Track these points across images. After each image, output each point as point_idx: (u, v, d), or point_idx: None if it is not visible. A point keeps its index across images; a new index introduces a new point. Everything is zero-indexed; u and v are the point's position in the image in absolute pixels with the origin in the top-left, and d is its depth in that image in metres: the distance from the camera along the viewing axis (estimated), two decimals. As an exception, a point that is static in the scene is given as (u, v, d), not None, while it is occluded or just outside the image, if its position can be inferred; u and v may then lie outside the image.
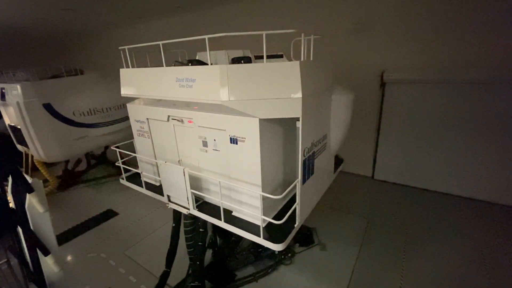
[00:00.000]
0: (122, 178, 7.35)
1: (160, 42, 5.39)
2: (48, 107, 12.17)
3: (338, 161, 7.84)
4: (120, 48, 6.21)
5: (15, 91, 11.78)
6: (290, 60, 6.24)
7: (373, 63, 12.55)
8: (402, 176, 13.39)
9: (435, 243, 9.42)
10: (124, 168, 7.24)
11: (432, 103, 11.72)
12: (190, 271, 7.76)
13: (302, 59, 4.71)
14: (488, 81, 10.46)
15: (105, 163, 17.06)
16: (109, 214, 12.46)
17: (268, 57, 5.42)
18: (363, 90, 12.86)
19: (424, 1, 10.79)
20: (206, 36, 4.53)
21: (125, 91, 6.28)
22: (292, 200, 5.34)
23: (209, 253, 8.63)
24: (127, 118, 6.89)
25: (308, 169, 5.35)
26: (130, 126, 7.05)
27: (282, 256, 8.87)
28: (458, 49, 10.75)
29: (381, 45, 12.17)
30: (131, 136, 7.22)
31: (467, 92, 10.93)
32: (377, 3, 11.67)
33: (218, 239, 8.58)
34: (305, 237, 9.69)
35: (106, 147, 16.35)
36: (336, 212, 11.35)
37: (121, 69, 6.23)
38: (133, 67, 6.26)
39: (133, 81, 6.08)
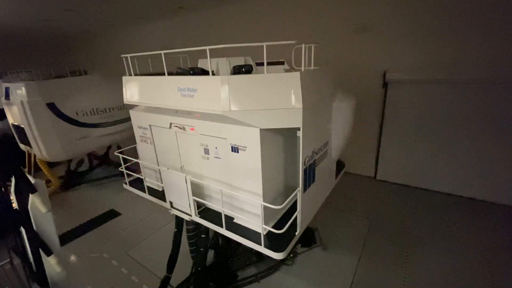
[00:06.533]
0: (125, 183, 7.41)
1: (162, 52, 5.40)
2: (51, 107, 12.23)
3: (339, 165, 7.85)
4: (122, 56, 6.25)
5: (19, 90, 11.86)
6: (291, 67, 6.26)
7: (375, 63, 12.51)
8: (404, 176, 13.39)
9: (438, 243, 9.45)
10: (127, 173, 7.30)
11: (434, 103, 11.70)
12: (193, 270, 7.83)
13: (303, 68, 4.72)
14: (490, 81, 10.44)
15: (108, 164, 17.12)
16: (111, 214, 12.54)
17: (269, 64, 5.43)
18: (365, 90, 12.84)
19: (426, 1, 10.75)
20: (207, 48, 4.55)
21: (127, 98, 6.34)
22: (294, 206, 5.37)
23: (211, 254, 8.69)
24: (129, 118, 6.95)
25: (309, 177, 5.38)
26: (132, 127, 7.11)
27: (284, 257, 8.90)
28: (460, 49, 10.72)
29: (383, 45, 12.12)
30: (133, 137, 7.27)
31: (469, 92, 10.90)
32: (378, 3, 11.63)
33: (220, 239, 8.65)
34: (307, 238, 9.71)
35: (109, 147, 16.39)
36: (338, 213, 11.38)
37: (123, 77, 6.28)
38: (135, 73, 6.30)
39: (135, 89, 6.14)
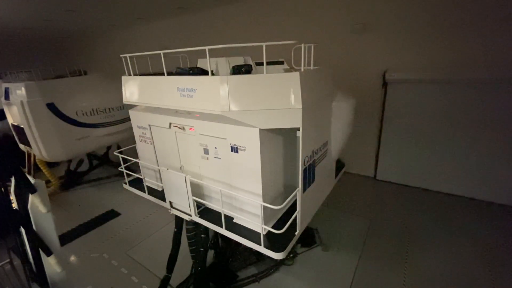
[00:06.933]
0: (125, 183, 7.42)
1: (161, 52, 5.40)
2: (51, 107, 12.22)
3: (339, 165, 7.85)
4: (121, 56, 6.26)
5: (19, 90, 11.86)
6: (291, 66, 6.26)
7: (375, 63, 12.50)
8: (404, 176, 13.38)
9: (438, 243, 9.43)
10: (127, 173, 7.30)
11: (434, 103, 11.68)
12: (193, 271, 7.84)
13: (302, 68, 4.72)
14: (490, 80, 10.42)
15: (108, 164, 17.11)
16: (111, 215, 12.53)
17: (269, 63, 5.42)
18: (365, 90, 12.86)
19: (426, 1, 10.75)
20: (206, 48, 4.55)
21: (127, 98, 6.35)
22: (293, 206, 5.37)
23: (211, 254, 8.69)
24: (129, 118, 6.97)
25: (309, 177, 5.38)
26: (132, 127, 7.11)
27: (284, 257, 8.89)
28: (460, 49, 10.71)
29: (383, 44, 12.11)
30: (133, 137, 7.28)
31: (469, 92, 10.89)
32: (378, 3, 11.62)
33: (220, 239, 8.65)
34: (307, 238, 9.71)
35: (109, 148, 16.38)
36: (338, 213, 11.37)
37: (122, 77, 6.29)
38: (134, 73, 6.31)
39: (135, 89, 6.15)
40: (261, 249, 4.86)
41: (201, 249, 6.98)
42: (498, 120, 10.65)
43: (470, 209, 11.23)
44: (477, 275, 8.13)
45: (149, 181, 7.11)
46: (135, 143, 7.32)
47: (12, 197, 6.24)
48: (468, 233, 9.81)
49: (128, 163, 7.37)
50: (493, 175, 11.31)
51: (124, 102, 6.43)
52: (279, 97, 4.34)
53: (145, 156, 7.12)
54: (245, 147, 4.80)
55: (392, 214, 11.16)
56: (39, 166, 14.14)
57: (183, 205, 5.99)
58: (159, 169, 6.49)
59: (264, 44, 4.25)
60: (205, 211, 6.04)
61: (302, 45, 4.58)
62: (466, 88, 10.92)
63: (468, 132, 11.32)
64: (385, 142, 13.42)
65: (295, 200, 5.15)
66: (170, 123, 5.95)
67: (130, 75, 6.32)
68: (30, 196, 5.66)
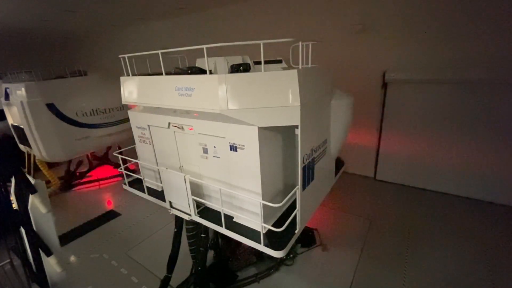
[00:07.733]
0: (125, 184, 7.40)
1: (159, 52, 5.39)
2: (51, 107, 12.25)
3: (339, 164, 7.84)
4: (120, 56, 6.25)
5: (19, 91, 11.89)
6: (289, 65, 6.26)
7: (374, 63, 12.50)
8: (404, 176, 13.37)
9: (437, 243, 9.43)
10: (126, 173, 7.29)
11: (434, 103, 11.69)
12: (193, 271, 7.83)
13: (300, 66, 4.71)
14: (490, 81, 10.43)
15: (107, 164, 17.11)
16: (111, 215, 12.54)
17: (267, 62, 5.42)
18: (365, 91, 12.82)
19: (426, 1, 10.75)
20: (204, 46, 4.55)
21: (125, 98, 6.34)
22: (293, 205, 5.37)
23: (211, 254, 8.67)
24: (129, 118, 6.95)
25: (308, 175, 5.37)
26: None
27: (284, 257, 8.88)
28: (460, 49, 10.72)
29: (383, 45, 12.12)
30: (133, 138, 7.25)
31: (468, 92, 10.90)
32: (378, 3, 11.62)
33: (220, 240, 8.63)
34: (307, 238, 9.70)
35: (109, 148, 16.38)
36: (338, 213, 11.36)
37: (121, 77, 6.28)
38: (133, 73, 6.30)
39: (133, 89, 6.14)
40: (261, 247, 4.85)
41: (201, 249, 6.97)
42: (497, 120, 10.64)
43: (470, 209, 11.23)
44: (477, 275, 8.12)
45: (148, 182, 7.10)
46: (135, 143, 7.32)
47: (12, 197, 6.24)
48: (468, 233, 9.80)
49: (128, 164, 7.36)
50: (493, 175, 11.29)
51: (123, 103, 6.43)
52: (277, 95, 4.34)
53: (144, 157, 7.11)
54: (244, 146, 4.79)
55: (392, 214, 11.15)
56: (39, 166, 14.15)
57: (183, 205, 5.98)
58: (158, 169, 6.48)
59: (261, 42, 4.24)
60: (205, 211, 6.03)
61: (300, 43, 4.58)
62: (465, 88, 10.92)
63: (468, 132, 11.31)
64: (385, 142, 13.42)
65: (295, 199, 5.14)
66: (169, 123, 5.94)
67: (128, 75, 6.31)
68: (30, 196, 5.66)
